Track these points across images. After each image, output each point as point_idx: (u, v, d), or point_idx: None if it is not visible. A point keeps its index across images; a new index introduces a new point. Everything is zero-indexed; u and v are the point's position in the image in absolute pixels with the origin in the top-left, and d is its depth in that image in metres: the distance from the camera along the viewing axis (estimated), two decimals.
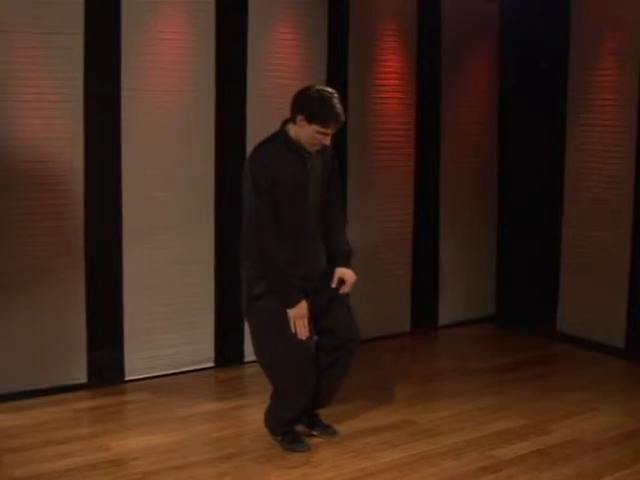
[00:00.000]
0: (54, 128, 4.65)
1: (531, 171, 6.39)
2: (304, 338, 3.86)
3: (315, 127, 3.80)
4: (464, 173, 6.34)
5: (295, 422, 4.14)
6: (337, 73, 5.61)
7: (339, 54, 5.63)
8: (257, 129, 5.30)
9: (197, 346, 5.24)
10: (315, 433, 4.24)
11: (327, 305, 4.04)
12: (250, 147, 5.24)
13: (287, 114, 5.32)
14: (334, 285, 4.03)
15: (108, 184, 4.92)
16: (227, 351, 5.34)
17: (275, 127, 5.29)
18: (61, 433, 4.24)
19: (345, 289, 4.05)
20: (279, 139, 3.94)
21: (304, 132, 3.84)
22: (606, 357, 5.67)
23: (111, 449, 4.07)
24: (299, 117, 3.82)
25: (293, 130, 3.90)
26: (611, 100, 5.75)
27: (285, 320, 3.87)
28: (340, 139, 5.64)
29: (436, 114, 6.17)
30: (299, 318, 3.86)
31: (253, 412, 4.50)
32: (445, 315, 6.40)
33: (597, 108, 5.84)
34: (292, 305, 3.86)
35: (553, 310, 6.21)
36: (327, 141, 3.87)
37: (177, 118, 5.04)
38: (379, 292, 5.94)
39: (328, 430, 4.27)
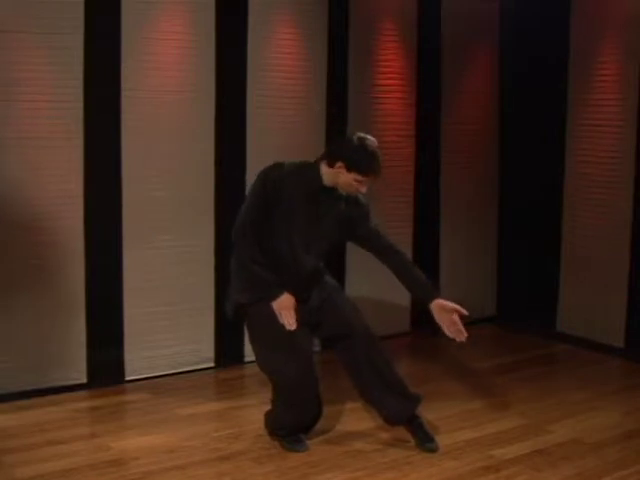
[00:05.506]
0: (54, 128, 4.65)
1: (531, 171, 6.38)
2: (293, 328, 3.83)
3: (354, 175, 3.78)
4: (464, 173, 6.34)
5: (296, 430, 4.10)
6: (337, 73, 5.62)
7: (339, 54, 5.63)
8: (257, 129, 5.32)
9: (197, 346, 5.24)
10: (415, 441, 4.09)
11: (319, 313, 4.03)
12: (250, 147, 5.30)
13: (287, 114, 5.40)
14: (452, 336, 3.95)
15: (108, 184, 4.92)
16: (227, 351, 5.34)
17: (275, 127, 5.35)
18: (61, 433, 4.24)
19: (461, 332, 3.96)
20: (308, 170, 3.90)
21: (342, 178, 3.82)
22: (606, 357, 5.67)
23: (111, 449, 4.07)
24: (338, 164, 3.79)
25: (325, 171, 3.86)
26: (611, 100, 5.75)
27: (277, 325, 3.86)
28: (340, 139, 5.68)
29: (436, 114, 6.17)
30: (283, 309, 3.85)
31: (253, 412, 4.50)
32: None
33: (597, 108, 5.84)
34: (274, 298, 3.85)
35: (553, 310, 6.21)
36: (363, 189, 3.86)
37: (177, 118, 5.04)
38: (379, 292, 5.93)
39: (428, 445, 4.06)
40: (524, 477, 3.83)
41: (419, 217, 6.14)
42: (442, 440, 4.17)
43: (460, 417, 4.54)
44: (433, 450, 4.06)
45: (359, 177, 3.79)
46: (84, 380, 4.87)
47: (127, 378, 5.02)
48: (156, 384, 5.00)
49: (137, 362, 5.04)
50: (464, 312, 3.96)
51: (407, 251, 6.04)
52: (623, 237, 5.73)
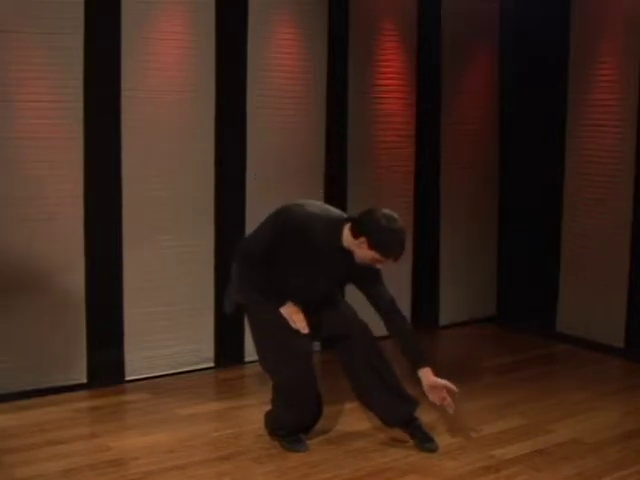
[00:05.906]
0: (54, 128, 4.65)
1: (531, 171, 6.38)
2: (306, 332, 3.86)
3: (375, 253, 3.74)
4: (464, 173, 6.34)
5: (296, 430, 4.09)
6: (337, 73, 5.62)
7: (339, 54, 5.63)
8: (257, 129, 5.31)
9: (197, 346, 5.24)
10: (414, 442, 4.11)
11: (319, 314, 4.05)
12: (250, 147, 5.29)
13: (287, 114, 5.40)
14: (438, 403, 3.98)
15: (108, 184, 4.92)
16: (227, 351, 5.34)
17: (275, 127, 5.35)
18: (61, 433, 4.24)
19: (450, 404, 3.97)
20: (331, 228, 3.84)
21: (362, 252, 3.78)
22: (606, 357, 5.67)
23: (111, 449, 4.07)
24: (362, 238, 3.74)
25: (348, 238, 3.80)
26: (611, 100, 5.75)
27: (277, 325, 3.88)
28: (340, 139, 5.68)
29: (436, 114, 6.17)
30: (294, 314, 3.88)
31: (253, 412, 4.50)
32: (445, 315, 6.40)
33: (597, 108, 5.84)
34: (281, 305, 3.89)
35: (553, 310, 6.21)
36: (380, 266, 3.86)
37: (177, 118, 5.04)
38: None
39: (427, 445, 4.07)
40: (524, 477, 3.83)
41: (419, 217, 6.14)
42: (442, 440, 4.17)
43: (460, 417, 4.53)
44: (432, 450, 4.06)
45: (379, 257, 3.76)
46: (84, 380, 4.87)
47: (127, 378, 5.02)
48: (156, 384, 5.00)
49: (137, 362, 5.04)
50: (454, 389, 3.96)
51: (407, 252, 6.07)
52: (623, 237, 5.73)
